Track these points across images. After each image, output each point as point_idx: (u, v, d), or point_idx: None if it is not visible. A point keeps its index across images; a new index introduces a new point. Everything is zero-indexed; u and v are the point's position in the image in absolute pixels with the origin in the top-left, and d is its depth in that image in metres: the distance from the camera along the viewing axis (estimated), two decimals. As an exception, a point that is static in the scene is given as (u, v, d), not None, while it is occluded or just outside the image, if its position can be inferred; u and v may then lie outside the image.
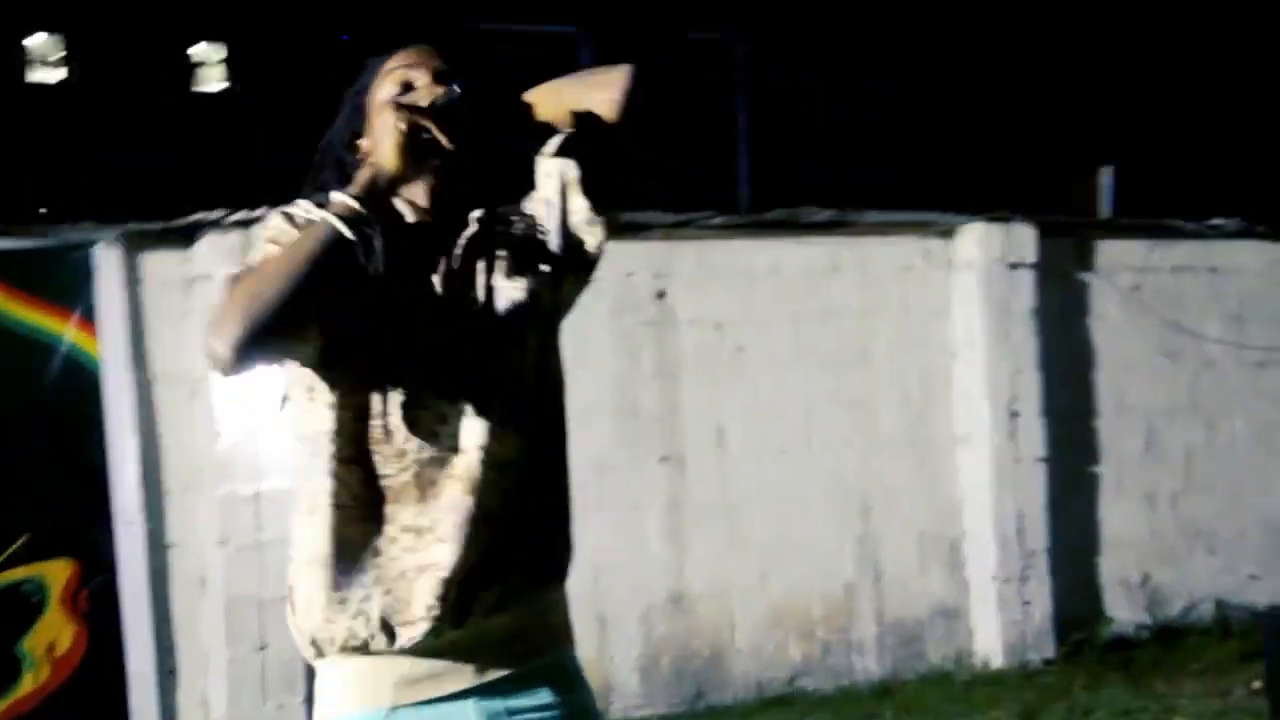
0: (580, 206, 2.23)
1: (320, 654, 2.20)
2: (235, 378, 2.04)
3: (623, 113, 2.17)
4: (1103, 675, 7.28)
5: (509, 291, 2.20)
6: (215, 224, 6.84)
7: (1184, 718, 6.31)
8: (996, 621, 7.71)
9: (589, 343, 7.23)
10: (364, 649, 2.13)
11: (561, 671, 2.23)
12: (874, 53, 13.27)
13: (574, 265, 2.26)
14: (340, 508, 2.14)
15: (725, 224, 7.71)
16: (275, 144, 11.03)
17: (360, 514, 2.13)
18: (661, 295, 7.56)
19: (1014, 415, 7.89)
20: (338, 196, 2.06)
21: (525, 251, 2.23)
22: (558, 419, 2.24)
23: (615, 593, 7.28)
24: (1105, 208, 11.26)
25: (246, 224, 6.78)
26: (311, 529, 2.17)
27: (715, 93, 13.29)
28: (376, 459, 2.13)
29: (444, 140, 2.10)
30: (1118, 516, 8.30)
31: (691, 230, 7.62)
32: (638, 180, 2.29)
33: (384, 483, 2.13)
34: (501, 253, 2.22)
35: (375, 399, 2.12)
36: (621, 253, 7.51)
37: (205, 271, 6.81)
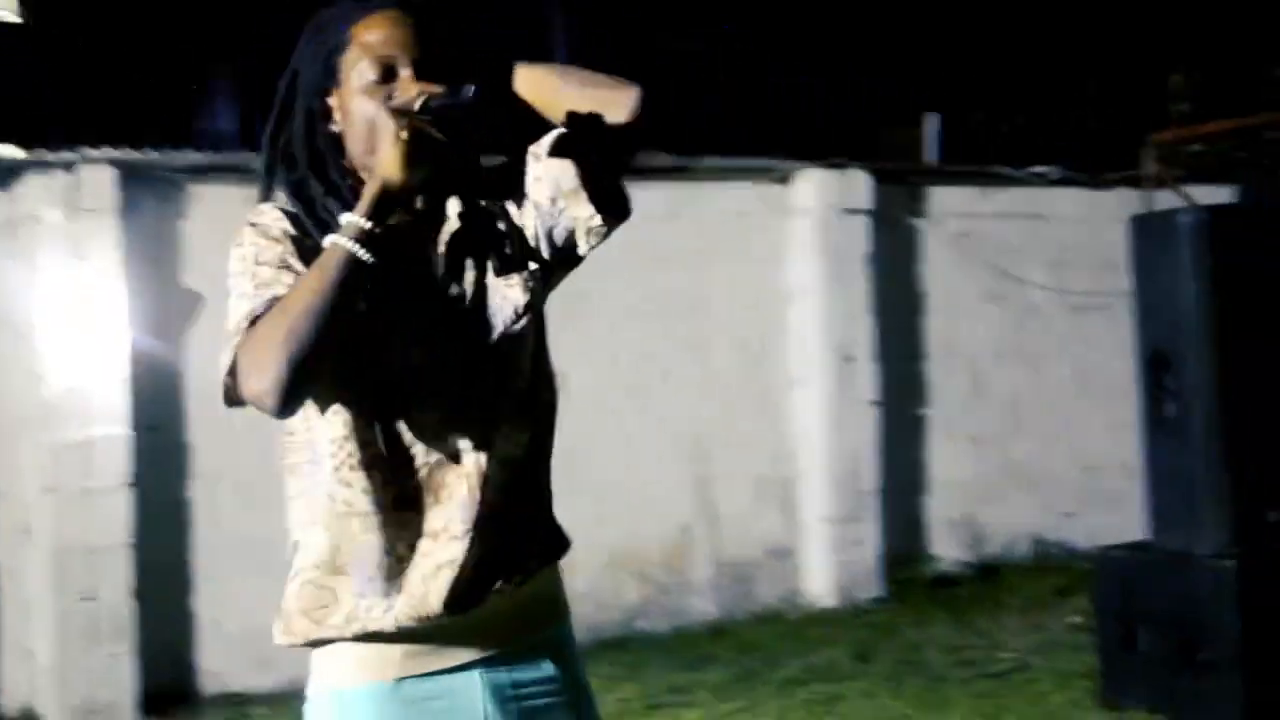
0: (584, 214, 2.16)
1: (314, 642, 2.18)
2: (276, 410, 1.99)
3: (628, 135, 2.12)
4: (929, 612, 7.49)
5: (502, 290, 2.16)
6: (40, 164, 6.67)
7: (1008, 652, 6.51)
8: (828, 561, 7.88)
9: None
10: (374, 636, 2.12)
11: (560, 645, 2.24)
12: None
13: (563, 263, 2.23)
14: (351, 516, 2.11)
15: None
16: (67, 80, 10.73)
17: (374, 521, 2.11)
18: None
19: (847, 359, 8.04)
20: (349, 218, 2.01)
21: (511, 248, 2.18)
22: (552, 408, 2.23)
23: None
24: (930, 155, 11.44)
25: (69, 165, 6.64)
26: (319, 538, 2.14)
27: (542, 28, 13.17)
28: (385, 465, 2.10)
29: (449, 147, 2.04)
30: (944, 457, 8.51)
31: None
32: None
33: (394, 488, 2.11)
34: (488, 249, 2.17)
35: (379, 406, 2.09)
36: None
37: (30, 212, 6.64)
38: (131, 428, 6.62)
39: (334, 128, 2.15)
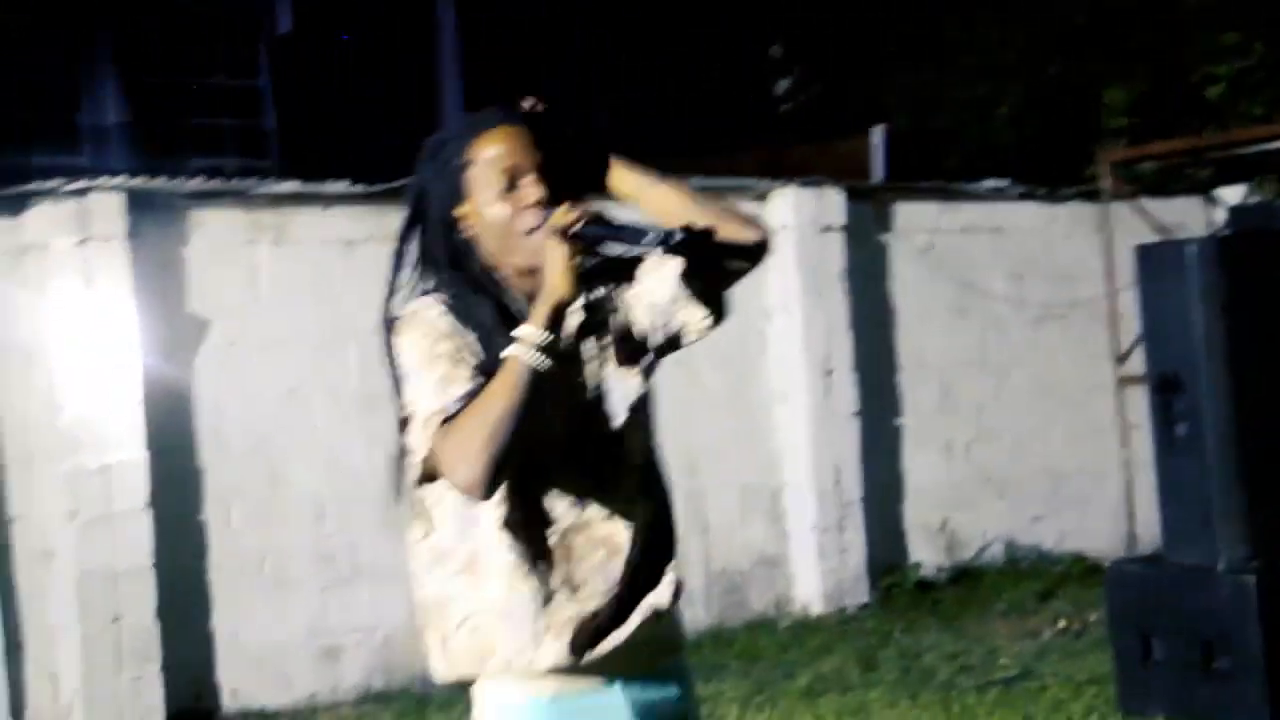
0: (697, 316, 2.47)
1: (479, 679, 2.47)
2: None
3: (747, 255, 2.43)
4: (917, 619, 7.76)
5: (624, 377, 2.48)
6: (49, 193, 6.72)
7: (1007, 659, 6.79)
8: (816, 569, 8.13)
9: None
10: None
11: (683, 672, 2.57)
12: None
13: (665, 352, 2.54)
14: (506, 567, 2.40)
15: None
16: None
17: (521, 574, 2.40)
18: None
19: (828, 373, 8.29)
20: (528, 331, 2.28)
21: (629, 339, 2.49)
22: (665, 478, 2.55)
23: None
24: (878, 167, 11.73)
25: (81, 193, 6.71)
26: (473, 587, 2.42)
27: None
28: (531, 527, 2.40)
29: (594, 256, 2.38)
30: (918, 466, 8.80)
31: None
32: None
33: (538, 547, 2.41)
34: (607, 340, 2.48)
35: (529, 475, 2.38)
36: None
37: (39, 240, 6.70)
38: (148, 451, 6.71)
39: (466, 234, 2.45)
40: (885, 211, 8.97)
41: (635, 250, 2.35)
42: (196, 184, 7.24)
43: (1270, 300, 5.40)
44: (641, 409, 2.50)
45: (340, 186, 7.35)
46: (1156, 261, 5.62)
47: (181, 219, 7.06)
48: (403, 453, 2.38)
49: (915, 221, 9.03)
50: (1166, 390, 5.47)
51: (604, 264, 2.45)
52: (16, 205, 6.73)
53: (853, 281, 8.48)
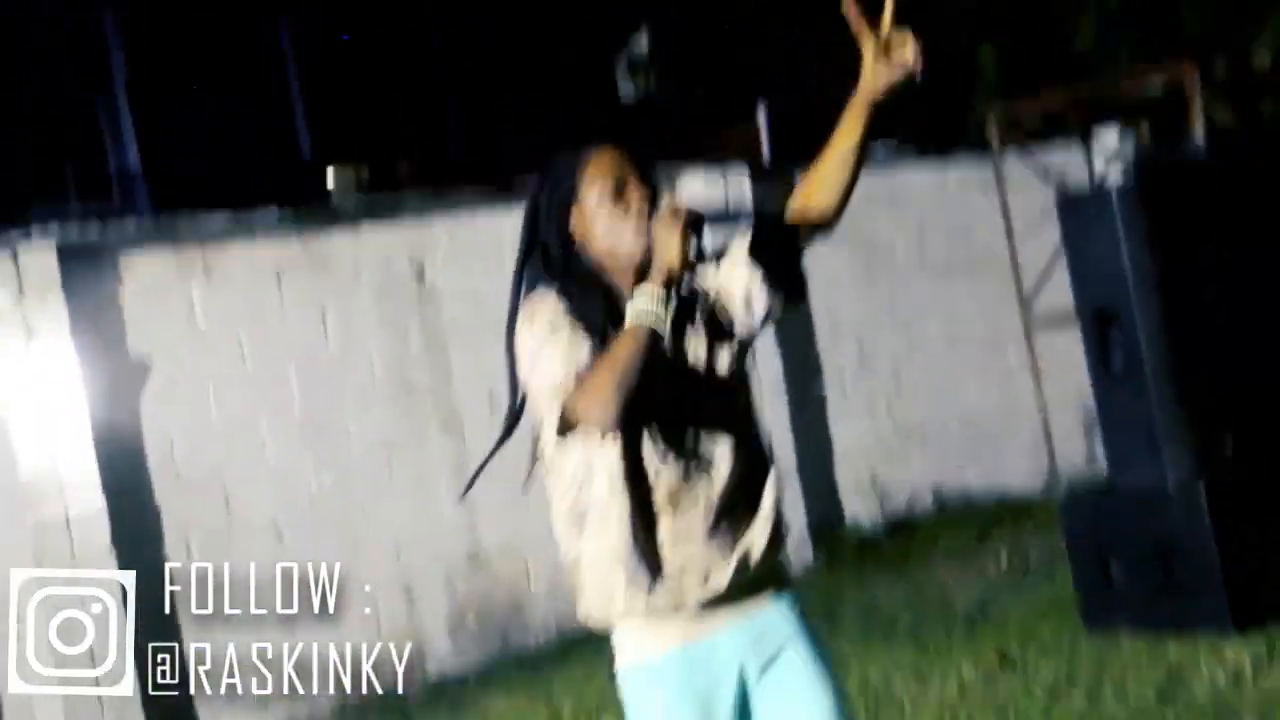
0: (777, 300, 2.83)
1: (610, 624, 2.78)
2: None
3: (824, 232, 2.91)
4: (863, 573, 8.05)
5: (719, 352, 2.79)
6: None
7: (964, 600, 7.08)
8: (762, 537, 8.36)
9: (359, 329, 7.52)
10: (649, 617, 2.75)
11: (789, 605, 2.83)
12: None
13: (755, 331, 2.87)
14: (618, 519, 2.72)
15: (473, 198, 8.03)
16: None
17: (633, 524, 2.72)
18: (421, 274, 7.84)
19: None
20: (644, 290, 2.64)
21: (722, 321, 2.81)
22: (760, 440, 2.85)
23: (417, 562, 7.58)
24: (766, 145, 12.00)
25: (12, 252, 6.75)
26: (596, 536, 2.74)
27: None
28: (642, 480, 2.73)
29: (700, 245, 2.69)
30: (844, 426, 9.09)
31: (442, 207, 7.93)
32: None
33: (648, 498, 2.73)
34: (702, 323, 2.79)
35: (640, 433, 2.71)
36: (379, 237, 7.78)
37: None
38: (106, 497, 6.77)
39: (578, 238, 2.80)
40: (787, 187, 9.21)
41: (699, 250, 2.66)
42: (127, 230, 7.31)
43: (1187, 231, 5.74)
44: (737, 385, 2.80)
45: (267, 216, 7.45)
46: (1079, 209, 5.94)
47: (113, 264, 7.12)
48: (531, 429, 2.74)
49: (814, 193, 9.29)
50: (1101, 325, 5.78)
51: (698, 257, 2.71)
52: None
53: (764, 256, 8.72)
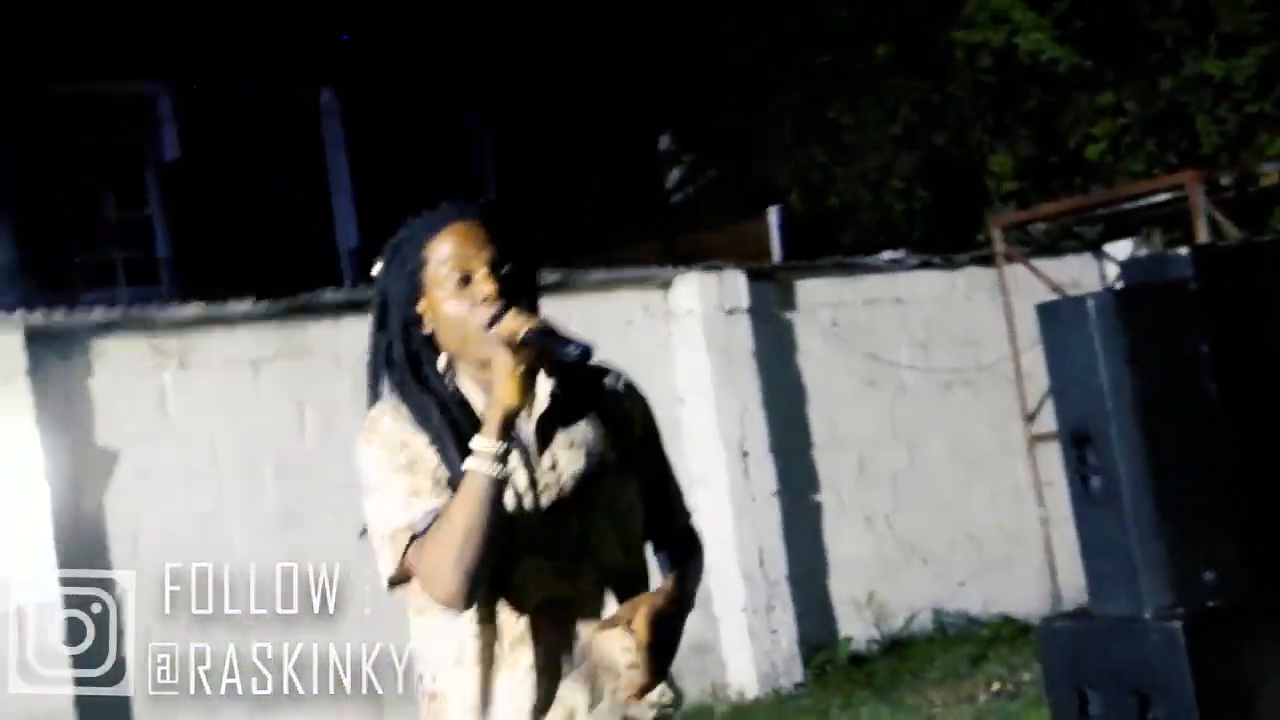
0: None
1: None
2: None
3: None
4: (851, 693, 7.75)
5: (603, 475, 2.53)
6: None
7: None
8: (748, 652, 8.11)
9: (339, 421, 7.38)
10: None
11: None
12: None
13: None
14: (483, 658, 2.48)
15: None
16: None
17: (497, 660, 2.48)
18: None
19: (745, 454, 8.32)
20: (481, 443, 2.37)
21: (606, 436, 2.56)
22: (636, 567, 2.59)
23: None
24: (776, 249, 11.84)
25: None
26: (460, 679, 2.49)
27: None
28: (500, 616, 2.48)
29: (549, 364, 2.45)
30: (841, 540, 8.83)
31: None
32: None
33: (509, 633, 2.48)
34: (578, 432, 2.53)
35: (497, 567, 2.43)
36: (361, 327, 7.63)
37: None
38: (62, 588, 6.59)
39: (425, 331, 2.50)
40: (788, 290, 9.05)
41: (563, 357, 2.40)
42: (98, 314, 7.19)
43: (1169, 348, 5.48)
44: (614, 505, 2.54)
45: (243, 306, 7.31)
46: (1057, 319, 5.69)
47: (84, 351, 6.99)
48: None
49: (818, 297, 9.12)
50: (1079, 445, 5.53)
51: (584, 355, 2.45)
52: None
53: (762, 361, 8.54)
